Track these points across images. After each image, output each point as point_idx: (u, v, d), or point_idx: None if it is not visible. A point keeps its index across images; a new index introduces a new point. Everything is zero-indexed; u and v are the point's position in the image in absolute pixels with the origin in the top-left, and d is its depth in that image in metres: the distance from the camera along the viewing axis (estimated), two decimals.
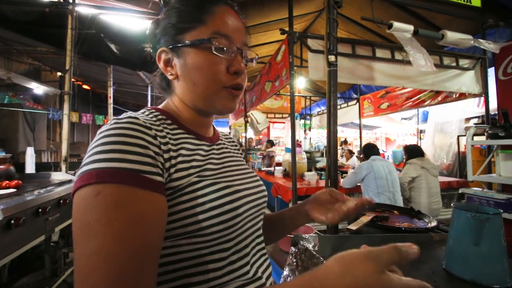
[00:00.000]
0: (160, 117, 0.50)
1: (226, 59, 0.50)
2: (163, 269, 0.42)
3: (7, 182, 1.89)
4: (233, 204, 0.48)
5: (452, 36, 2.02)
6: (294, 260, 1.09)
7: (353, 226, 0.89)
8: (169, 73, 0.53)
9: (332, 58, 1.74)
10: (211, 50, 0.49)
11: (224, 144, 0.64)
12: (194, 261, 0.44)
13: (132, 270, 0.33)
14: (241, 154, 0.72)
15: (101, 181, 0.35)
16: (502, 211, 0.71)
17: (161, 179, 0.41)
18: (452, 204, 0.77)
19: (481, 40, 2.16)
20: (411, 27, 1.97)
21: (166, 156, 0.43)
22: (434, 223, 1.13)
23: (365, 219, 1.01)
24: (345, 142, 7.81)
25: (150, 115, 0.48)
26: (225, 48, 0.50)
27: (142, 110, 0.50)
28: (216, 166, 0.53)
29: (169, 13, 0.53)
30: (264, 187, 0.62)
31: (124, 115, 0.43)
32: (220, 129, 0.70)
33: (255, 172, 0.65)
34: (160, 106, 0.56)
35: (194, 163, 0.48)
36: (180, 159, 0.46)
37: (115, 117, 0.43)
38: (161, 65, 0.53)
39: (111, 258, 0.32)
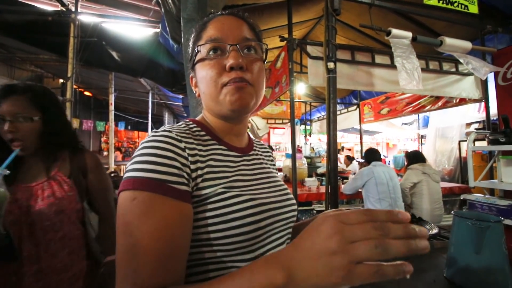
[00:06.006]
0: (195, 129, 0.54)
1: (221, 59, 0.52)
2: (189, 270, 0.46)
3: None
4: (255, 217, 0.48)
5: (450, 42, 2.03)
6: None
7: None
8: (195, 92, 0.60)
9: (331, 65, 1.75)
10: (205, 57, 0.53)
11: (257, 154, 0.64)
12: (217, 265, 0.46)
13: (157, 267, 0.39)
14: (273, 163, 0.71)
15: (136, 188, 0.41)
16: (503, 218, 0.71)
17: (187, 188, 0.45)
18: (452, 212, 0.77)
19: (473, 61, 2.16)
20: (409, 34, 1.98)
21: (193, 167, 0.47)
22: (435, 230, 1.12)
23: None
24: (341, 149, 7.79)
25: (185, 128, 0.52)
26: (218, 50, 0.52)
27: (180, 123, 0.55)
28: (244, 178, 0.54)
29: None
30: (293, 201, 0.61)
31: (161, 128, 0.49)
32: None
33: (284, 184, 0.64)
34: (197, 118, 0.60)
35: (222, 175, 0.50)
36: (207, 169, 0.49)
37: (154, 130, 0.49)
38: (193, 88, 0.61)
39: (140, 256, 0.39)
